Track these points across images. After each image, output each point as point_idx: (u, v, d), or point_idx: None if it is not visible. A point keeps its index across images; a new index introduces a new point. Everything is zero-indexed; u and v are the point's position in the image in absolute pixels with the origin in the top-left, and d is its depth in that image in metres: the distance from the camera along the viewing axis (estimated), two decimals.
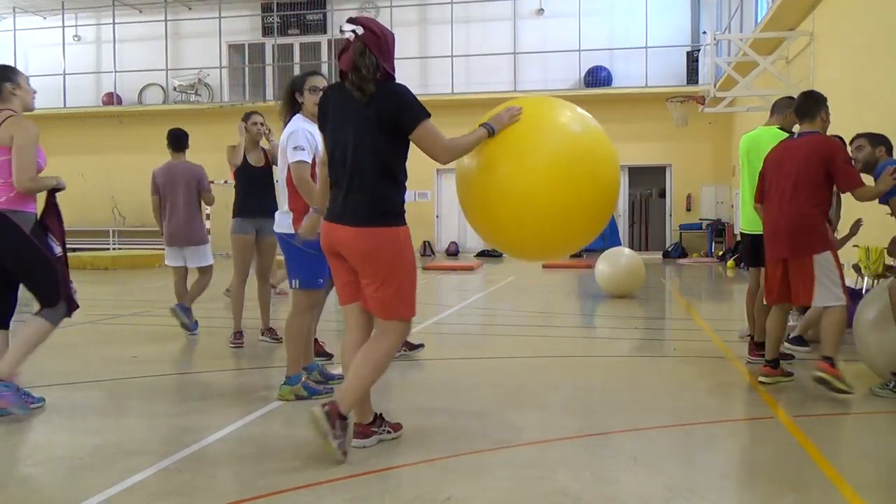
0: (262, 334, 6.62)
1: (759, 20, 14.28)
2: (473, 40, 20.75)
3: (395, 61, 3.57)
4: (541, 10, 20.84)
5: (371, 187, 3.42)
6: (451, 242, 20.94)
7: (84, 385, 5.16)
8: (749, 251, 5.85)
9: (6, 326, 4.45)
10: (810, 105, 5.02)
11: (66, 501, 3.05)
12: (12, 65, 4.54)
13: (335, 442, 3.33)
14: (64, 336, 6.95)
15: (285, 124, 4.64)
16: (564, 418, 4.17)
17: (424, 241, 20.74)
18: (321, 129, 3.71)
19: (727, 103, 15.71)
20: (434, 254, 20.71)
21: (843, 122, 8.85)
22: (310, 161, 4.50)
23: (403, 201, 3.52)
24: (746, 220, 5.78)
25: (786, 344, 6.09)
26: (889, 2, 8.67)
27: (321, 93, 4.32)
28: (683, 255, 19.26)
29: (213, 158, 23.21)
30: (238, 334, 6.49)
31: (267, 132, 6.54)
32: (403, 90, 3.47)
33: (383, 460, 3.46)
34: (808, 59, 11.96)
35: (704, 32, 19.44)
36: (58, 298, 4.28)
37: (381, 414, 3.79)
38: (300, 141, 4.48)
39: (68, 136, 21.34)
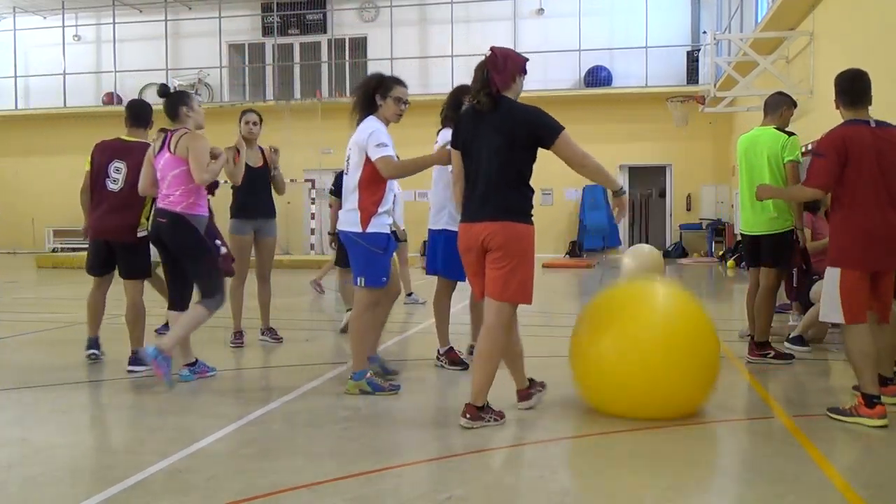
0: (262, 334, 6.61)
1: (759, 20, 14.27)
2: (473, 40, 20.69)
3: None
4: (541, 10, 20.82)
5: (510, 189, 3.91)
6: None
7: (84, 384, 5.16)
8: (749, 252, 5.85)
9: (184, 308, 5.13)
10: (867, 88, 4.52)
11: (67, 501, 3.05)
12: (188, 91, 5.37)
13: (494, 424, 3.95)
14: (64, 335, 6.97)
15: (358, 122, 4.71)
16: (564, 418, 4.17)
17: (424, 241, 20.71)
18: (455, 144, 4.12)
19: (727, 103, 15.69)
20: None
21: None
22: (394, 155, 4.57)
23: (532, 204, 3.98)
24: (746, 221, 5.77)
25: (785, 343, 6.09)
26: (889, 2, 8.67)
27: (404, 105, 4.68)
28: (684, 254, 19.25)
29: None
30: (238, 334, 6.48)
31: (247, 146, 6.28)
32: (537, 111, 3.95)
33: (383, 460, 3.47)
34: (809, 59, 11.95)
35: (704, 32, 19.42)
36: (216, 291, 4.99)
37: (532, 378, 4.27)
38: (383, 138, 4.56)
39: (68, 136, 21.31)
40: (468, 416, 3.93)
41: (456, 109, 4.97)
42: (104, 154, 5.58)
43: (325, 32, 22.00)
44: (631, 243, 20.42)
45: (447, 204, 5.29)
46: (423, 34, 21.54)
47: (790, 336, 6.17)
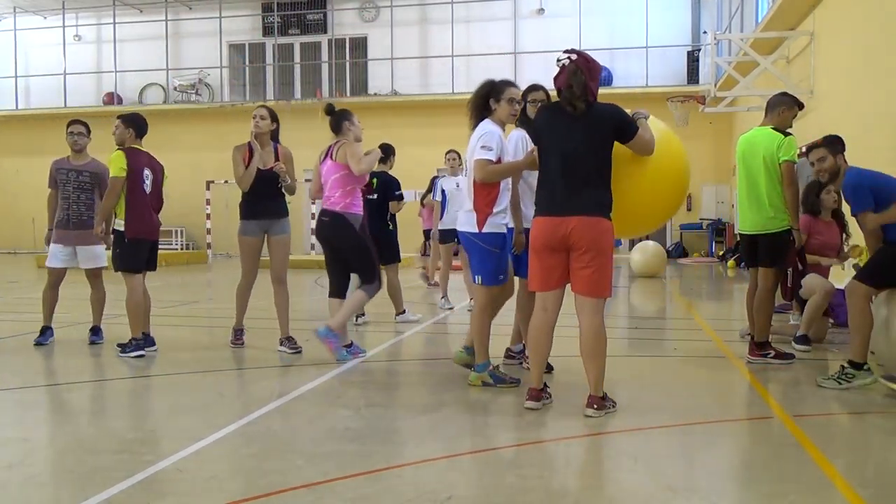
0: (281, 344, 6.15)
1: (759, 20, 14.28)
2: (474, 40, 20.73)
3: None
4: (541, 10, 20.84)
5: (596, 184, 4.12)
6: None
7: (84, 384, 5.16)
8: (747, 251, 5.85)
9: (343, 297, 5.86)
10: None
11: (67, 501, 3.05)
12: (347, 109, 6.07)
13: (613, 410, 4.20)
14: (65, 335, 6.96)
15: (473, 126, 4.84)
16: (565, 418, 4.17)
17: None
18: (536, 141, 4.34)
19: (727, 103, 15.70)
20: None
21: (844, 122, 8.84)
22: (494, 160, 4.68)
23: (611, 199, 4.18)
24: (744, 221, 5.77)
25: (793, 343, 6.10)
26: (889, 2, 8.67)
27: (517, 105, 4.80)
28: (684, 254, 19.26)
29: (214, 158, 23.16)
30: (238, 332, 6.34)
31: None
32: (618, 107, 4.24)
33: (383, 460, 3.46)
34: (809, 59, 11.95)
35: (705, 32, 19.44)
36: (374, 278, 5.70)
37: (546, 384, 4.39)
38: (490, 142, 4.68)
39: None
40: (595, 406, 4.12)
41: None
42: (138, 162, 6.07)
43: (325, 32, 22.02)
44: (632, 243, 20.46)
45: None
46: (424, 34, 21.55)
47: (796, 336, 6.17)
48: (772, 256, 5.59)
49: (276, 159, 6.17)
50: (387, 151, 7.79)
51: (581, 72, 4.12)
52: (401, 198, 7.85)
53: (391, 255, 7.81)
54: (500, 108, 4.79)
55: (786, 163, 5.45)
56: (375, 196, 7.69)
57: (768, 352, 5.60)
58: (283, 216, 6.31)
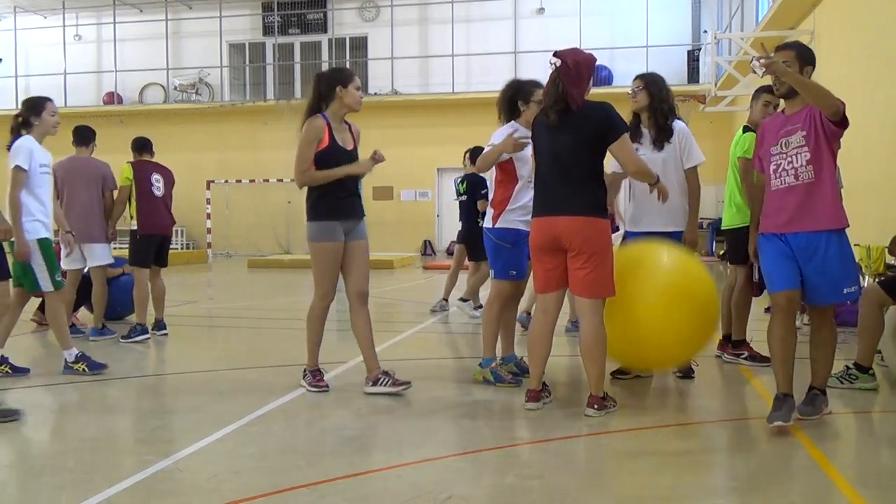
0: (374, 383, 4.73)
1: (759, 19, 14.27)
2: (474, 40, 20.72)
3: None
4: (541, 10, 20.83)
5: (587, 185, 4.11)
6: (452, 242, 20.91)
7: (84, 384, 5.16)
8: (732, 248, 5.85)
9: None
10: None
11: (67, 501, 3.05)
12: None
13: (613, 410, 4.18)
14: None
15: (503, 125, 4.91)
16: (565, 418, 4.17)
17: (425, 241, 20.74)
18: (534, 140, 4.35)
19: (728, 102, 15.69)
20: (434, 253, 20.69)
21: None
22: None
23: (606, 199, 4.23)
24: (730, 217, 5.71)
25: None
26: (889, 1, 8.66)
27: None
28: None
29: (214, 158, 23.12)
30: (317, 372, 4.84)
31: None
32: (610, 109, 4.13)
33: (383, 460, 3.47)
34: None
35: (705, 31, 19.42)
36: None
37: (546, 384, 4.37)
38: (495, 139, 4.81)
39: (68, 136, 21.31)
40: (595, 406, 4.11)
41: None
42: (144, 170, 7.00)
43: (325, 32, 22.01)
44: None
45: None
46: (424, 34, 21.53)
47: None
48: (731, 252, 5.67)
49: (355, 142, 4.86)
50: (476, 153, 8.17)
51: (560, 80, 4.07)
52: (487, 197, 8.03)
53: (482, 252, 8.02)
54: (528, 110, 4.81)
55: (739, 159, 5.45)
56: (465, 197, 8.18)
57: (742, 352, 5.55)
58: (363, 216, 4.93)
